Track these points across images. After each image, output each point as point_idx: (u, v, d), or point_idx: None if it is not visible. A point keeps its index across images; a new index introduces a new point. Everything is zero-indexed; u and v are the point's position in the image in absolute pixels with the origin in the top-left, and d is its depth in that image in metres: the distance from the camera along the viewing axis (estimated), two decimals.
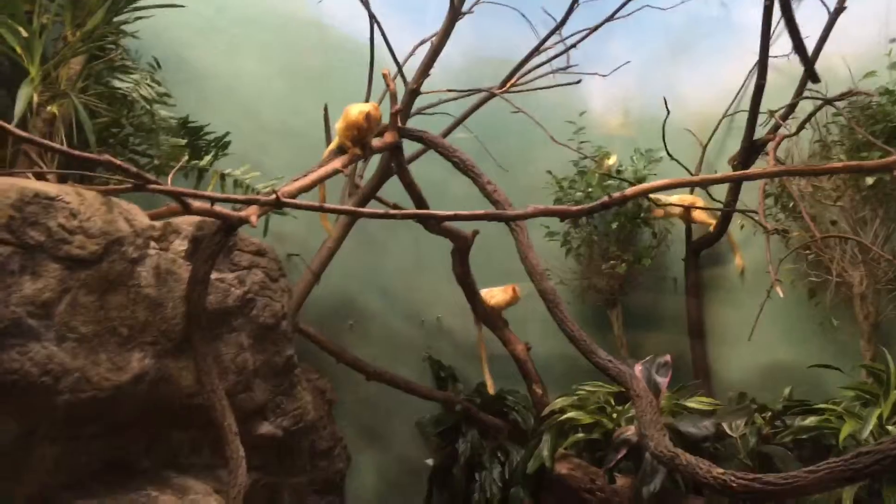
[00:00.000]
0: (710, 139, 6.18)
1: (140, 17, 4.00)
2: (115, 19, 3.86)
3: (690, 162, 6.13)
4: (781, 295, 4.09)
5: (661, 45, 6.78)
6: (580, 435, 4.73)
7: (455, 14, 5.06)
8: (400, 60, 5.50)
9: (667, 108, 5.58)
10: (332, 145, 4.44)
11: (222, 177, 4.54)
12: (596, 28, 5.51)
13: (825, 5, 5.03)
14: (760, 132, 5.25)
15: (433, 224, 5.03)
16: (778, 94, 5.25)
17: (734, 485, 2.92)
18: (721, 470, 3.00)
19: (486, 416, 5.85)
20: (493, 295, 5.62)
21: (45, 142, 3.12)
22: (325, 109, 5.29)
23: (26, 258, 2.92)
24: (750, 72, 5.62)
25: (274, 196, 3.32)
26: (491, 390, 5.63)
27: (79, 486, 3.31)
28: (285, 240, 5.28)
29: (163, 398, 3.56)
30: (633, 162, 6.16)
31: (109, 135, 3.96)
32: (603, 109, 6.91)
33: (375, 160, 5.34)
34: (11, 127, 2.87)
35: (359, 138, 4.30)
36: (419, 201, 4.99)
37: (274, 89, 5.91)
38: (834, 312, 5.02)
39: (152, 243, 3.49)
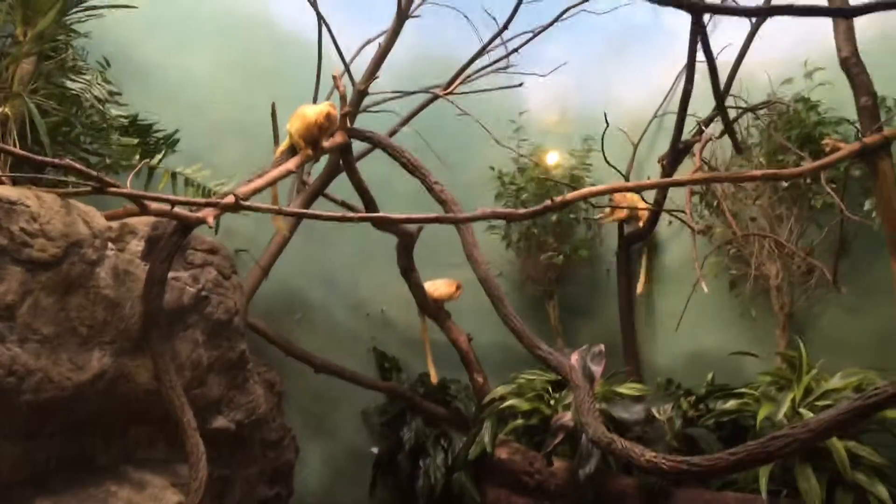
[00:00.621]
0: (640, 138, 6.51)
1: (92, 16, 3.98)
2: (67, 19, 3.85)
3: (622, 159, 6.44)
4: (706, 290, 4.39)
5: (598, 48, 7.03)
6: (519, 421, 4.95)
7: (402, 17, 5.19)
8: (346, 58, 5.58)
9: (606, 121, 5.84)
10: (284, 146, 4.50)
11: (173, 175, 4.56)
12: (538, 33, 5.72)
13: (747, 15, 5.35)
14: (688, 134, 5.59)
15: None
16: (706, 94, 5.54)
17: (665, 466, 3.18)
18: (653, 453, 3.24)
19: (429, 404, 5.98)
20: (437, 287, 5.81)
21: (4, 146, 3.15)
22: (273, 107, 5.34)
23: None
24: (679, 74, 5.89)
25: (232, 198, 3.43)
26: (434, 380, 5.80)
27: (39, 482, 3.35)
28: (234, 235, 5.31)
29: (120, 395, 3.63)
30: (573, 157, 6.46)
31: (60, 134, 3.95)
32: (541, 108, 7.14)
33: (324, 158, 5.42)
34: None
35: (316, 139, 4.38)
36: (368, 200, 5.11)
37: (222, 87, 5.90)
38: (752, 303, 5.36)
39: (110, 244, 3.53)
